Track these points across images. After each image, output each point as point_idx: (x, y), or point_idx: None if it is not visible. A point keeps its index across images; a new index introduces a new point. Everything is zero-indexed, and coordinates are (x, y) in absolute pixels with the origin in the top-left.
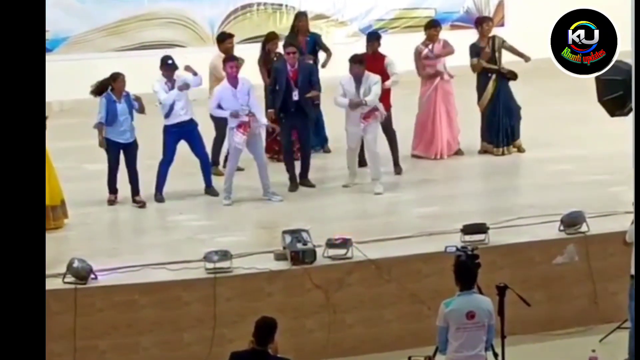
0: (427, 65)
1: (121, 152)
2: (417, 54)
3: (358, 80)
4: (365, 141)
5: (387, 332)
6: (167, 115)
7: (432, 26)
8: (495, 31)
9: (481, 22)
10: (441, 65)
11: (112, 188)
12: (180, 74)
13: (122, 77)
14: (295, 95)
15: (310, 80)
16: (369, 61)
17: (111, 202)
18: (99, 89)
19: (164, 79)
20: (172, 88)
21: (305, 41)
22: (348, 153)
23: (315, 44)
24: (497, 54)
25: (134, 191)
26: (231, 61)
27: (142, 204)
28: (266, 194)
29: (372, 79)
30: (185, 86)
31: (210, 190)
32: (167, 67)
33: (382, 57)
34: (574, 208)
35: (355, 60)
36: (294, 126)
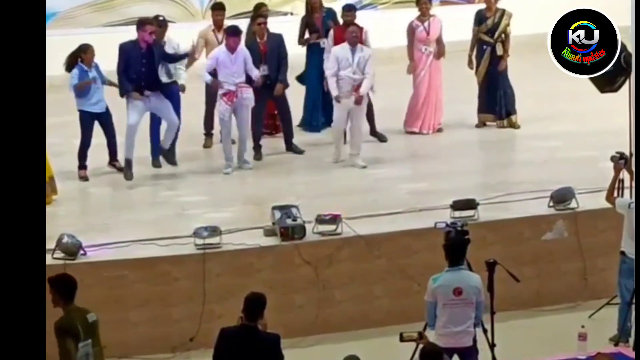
0: (420, 42)
1: (95, 123)
2: (410, 30)
3: (353, 47)
4: (353, 114)
5: (377, 308)
6: None
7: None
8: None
9: None
10: (434, 44)
11: (82, 164)
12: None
13: (91, 49)
14: (265, 70)
15: (278, 53)
16: (342, 34)
17: (83, 178)
18: (70, 62)
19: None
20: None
21: (321, 18)
22: (335, 128)
23: (332, 19)
24: (498, 28)
25: (112, 156)
26: (235, 36)
27: (120, 168)
28: (239, 162)
29: (366, 52)
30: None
31: (155, 162)
32: (160, 23)
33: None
34: (564, 184)
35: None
36: (268, 99)
